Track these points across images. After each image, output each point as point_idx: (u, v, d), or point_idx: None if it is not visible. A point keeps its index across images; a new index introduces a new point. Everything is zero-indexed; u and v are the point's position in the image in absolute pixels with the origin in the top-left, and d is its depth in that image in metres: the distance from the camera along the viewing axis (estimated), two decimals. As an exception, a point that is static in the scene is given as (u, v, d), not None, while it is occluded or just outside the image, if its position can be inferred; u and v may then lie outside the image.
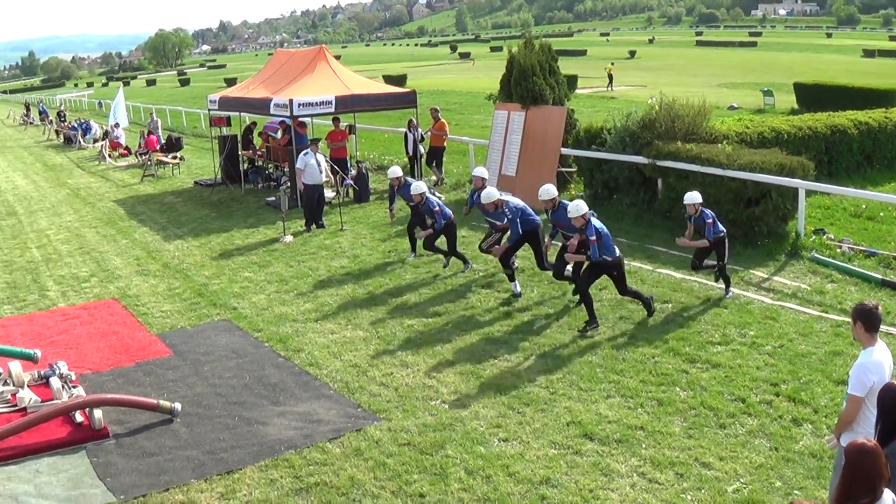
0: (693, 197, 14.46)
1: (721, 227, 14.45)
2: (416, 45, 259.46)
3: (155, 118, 43.26)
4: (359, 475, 9.36)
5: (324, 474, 9.43)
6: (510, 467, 9.34)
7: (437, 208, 16.57)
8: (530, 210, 15.44)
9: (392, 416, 10.84)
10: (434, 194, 18.11)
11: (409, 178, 18.21)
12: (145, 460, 9.99)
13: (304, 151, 21.84)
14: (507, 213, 15.02)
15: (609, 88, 65.16)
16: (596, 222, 13.27)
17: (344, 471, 9.47)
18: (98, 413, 10.70)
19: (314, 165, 21.42)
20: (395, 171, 17.99)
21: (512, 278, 15.49)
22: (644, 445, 9.72)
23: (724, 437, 9.86)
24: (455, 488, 8.98)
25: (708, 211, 14.40)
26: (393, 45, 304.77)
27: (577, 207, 13.25)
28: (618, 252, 13.57)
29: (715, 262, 14.69)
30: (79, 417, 10.91)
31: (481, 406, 10.98)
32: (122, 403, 11.21)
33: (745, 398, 10.82)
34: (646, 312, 13.90)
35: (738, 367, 11.84)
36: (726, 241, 14.53)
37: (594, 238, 13.14)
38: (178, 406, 11.22)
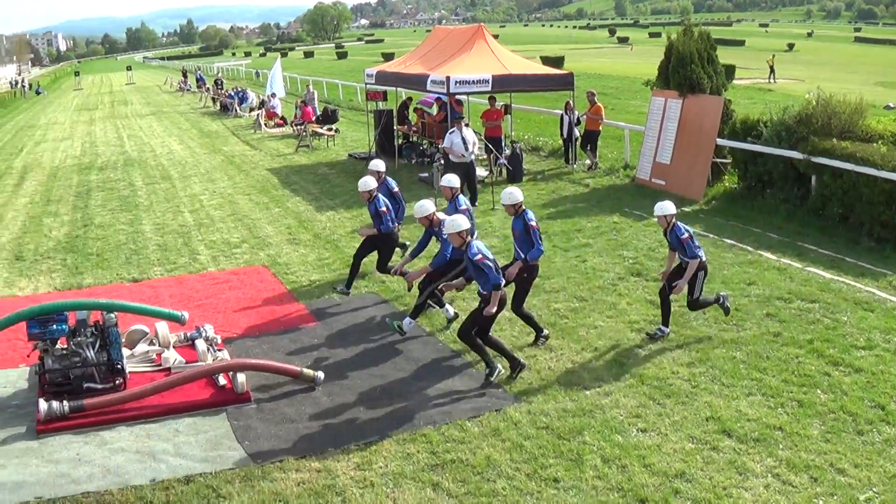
0: (664, 207, 13.68)
1: (699, 248, 13.58)
2: (574, 27, 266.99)
3: (311, 90, 45.80)
4: (495, 455, 10.41)
5: (460, 452, 10.54)
6: (646, 458, 10.15)
7: (384, 209, 16.05)
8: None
9: (533, 398, 11.90)
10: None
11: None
12: (284, 426, 11.49)
13: (451, 130, 23.30)
14: (443, 233, 13.93)
15: (770, 80, 66.45)
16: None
17: (481, 450, 10.56)
18: (241, 377, 12.36)
19: (459, 143, 22.78)
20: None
21: (440, 304, 15.07)
22: (781, 446, 10.34)
23: (861, 443, 10.35)
24: (590, 475, 9.86)
25: (682, 225, 13.59)
26: (551, 26, 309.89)
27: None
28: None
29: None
30: (222, 380, 12.68)
31: (622, 395, 11.88)
32: (265, 369, 12.82)
33: (884, 406, 11.25)
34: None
35: (880, 373, 12.26)
36: (704, 270, 13.73)
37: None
38: (320, 375, 12.72)
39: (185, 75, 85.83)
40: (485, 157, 27.56)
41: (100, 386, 12.55)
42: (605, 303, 15.55)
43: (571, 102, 27.70)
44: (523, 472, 9.98)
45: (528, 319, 13.92)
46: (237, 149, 37.83)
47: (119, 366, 12.66)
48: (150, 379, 12.94)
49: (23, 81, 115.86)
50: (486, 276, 12.34)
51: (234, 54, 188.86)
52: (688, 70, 24.17)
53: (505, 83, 26.14)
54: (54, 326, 12.90)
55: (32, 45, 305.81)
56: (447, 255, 14.11)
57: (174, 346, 14.06)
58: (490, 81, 25.45)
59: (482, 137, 26.84)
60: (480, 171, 24.98)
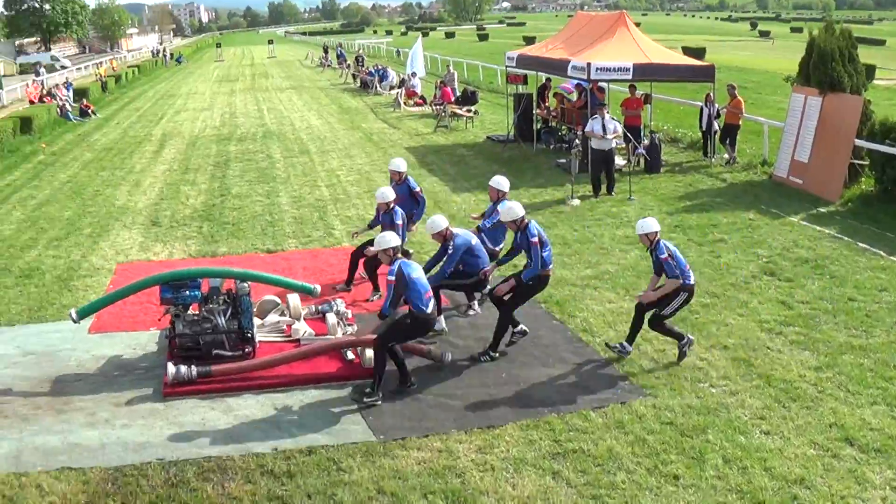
0: (646, 224, 13.14)
1: (686, 270, 13.09)
2: (715, 18, 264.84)
3: (452, 70, 46.57)
4: (617, 447, 10.63)
5: (583, 442, 10.78)
6: (767, 461, 10.23)
7: (399, 222, 15.71)
8: (480, 250, 14.59)
9: (659, 392, 12.07)
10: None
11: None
12: (409, 404, 11.94)
13: (593, 116, 23.59)
14: (450, 249, 14.18)
15: None
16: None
17: (603, 441, 10.78)
18: (370, 353, 12.79)
19: (599, 130, 23.04)
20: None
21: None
22: (902, 458, 10.33)
23: None
24: (710, 475, 10.00)
25: (665, 244, 13.05)
26: (693, 16, 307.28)
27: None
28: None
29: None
30: (350, 355, 13.22)
31: (748, 395, 11.94)
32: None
33: None
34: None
35: None
36: (687, 293, 13.10)
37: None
38: (448, 355, 13.13)
39: (326, 51, 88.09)
40: (623, 146, 27.65)
41: (229, 353, 13.22)
42: (736, 300, 15.56)
43: (712, 95, 27.56)
44: (644, 467, 10.17)
45: (502, 329, 13.60)
46: (376, 126, 38.73)
47: (249, 334, 13.29)
48: (279, 349, 13.56)
49: (164, 51, 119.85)
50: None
51: (375, 32, 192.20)
52: (828, 68, 23.84)
53: (646, 72, 26.32)
54: (187, 292, 13.60)
55: (174, 16, 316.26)
56: (447, 271, 14.15)
57: (304, 319, 14.64)
58: (631, 70, 25.65)
59: (623, 124, 26.97)
60: (618, 160, 25.11)
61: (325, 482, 10.05)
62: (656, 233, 13.00)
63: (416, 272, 12.27)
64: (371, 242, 15.56)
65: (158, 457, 10.79)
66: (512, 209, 13.56)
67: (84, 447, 11.14)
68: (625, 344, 13.30)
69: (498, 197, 15.44)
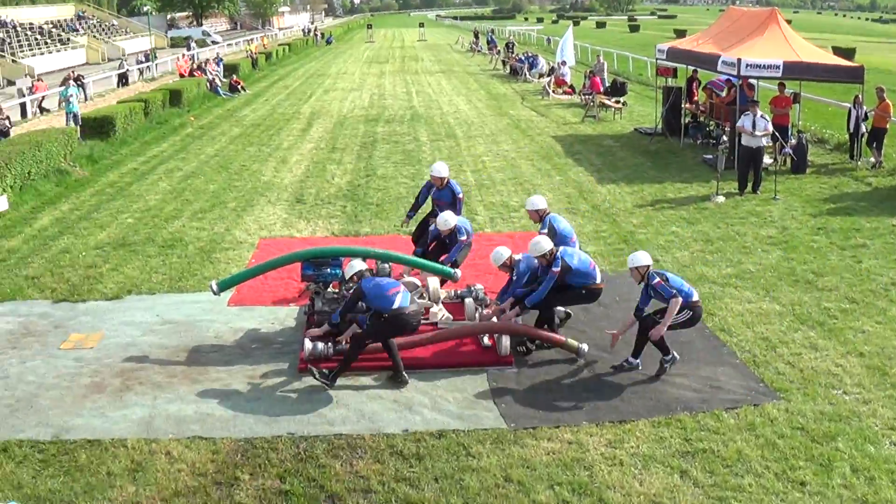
0: (636, 259, 12.72)
1: (681, 286, 12.53)
2: (866, 18, 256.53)
3: (601, 60, 46.27)
4: (747, 450, 10.45)
5: (713, 442, 10.63)
6: (895, 473, 9.98)
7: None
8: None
9: (792, 397, 11.78)
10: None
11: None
12: (542, 394, 11.93)
13: (745, 112, 23.16)
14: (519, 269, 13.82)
15: None
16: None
17: (733, 443, 10.62)
18: (506, 340, 12.86)
19: (750, 127, 22.59)
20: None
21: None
22: None
23: None
24: (836, 483, 9.76)
25: (654, 272, 12.53)
26: (844, 16, 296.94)
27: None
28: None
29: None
30: (486, 341, 13.24)
31: (881, 404, 11.56)
32: (530, 335, 13.24)
33: None
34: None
35: None
36: (690, 311, 12.51)
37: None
38: (584, 347, 12.97)
39: (476, 36, 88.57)
40: (770, 145, 27.01)
41: (366, 332, 13.29)
42: (875, 307, 15.04)
43: (860, 97, 26.71)
44: (772, 471, 9.99)
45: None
46: (523, 113, 38.70)
47: (387, 315, 13.34)
48: (417, 331, 13.59)
49: (315, 30, 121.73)
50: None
51: (526, 19, 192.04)
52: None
53: (795, 70, 25.72)
54: (328, 270, 13.80)
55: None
56: (518, 292, 13.63)
57: (443, 302, 14.68)
58: (781, 67, 25.11)
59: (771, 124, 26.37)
60: (765, 159, 24.59)
61: (454, 467, 10.11)
62: (647, 266, 12.57)
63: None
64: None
65: (289, 431, 11.00)
66: (539, 243, 13.28)
67: (216, 417, 11.42)
68: (631, 359, 12.76)
69: (540, 217, 15.02)
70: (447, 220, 15.07)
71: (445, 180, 16.40)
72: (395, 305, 12.14)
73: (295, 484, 9.81)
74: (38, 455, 10.68)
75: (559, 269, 12.95)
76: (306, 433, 10.94)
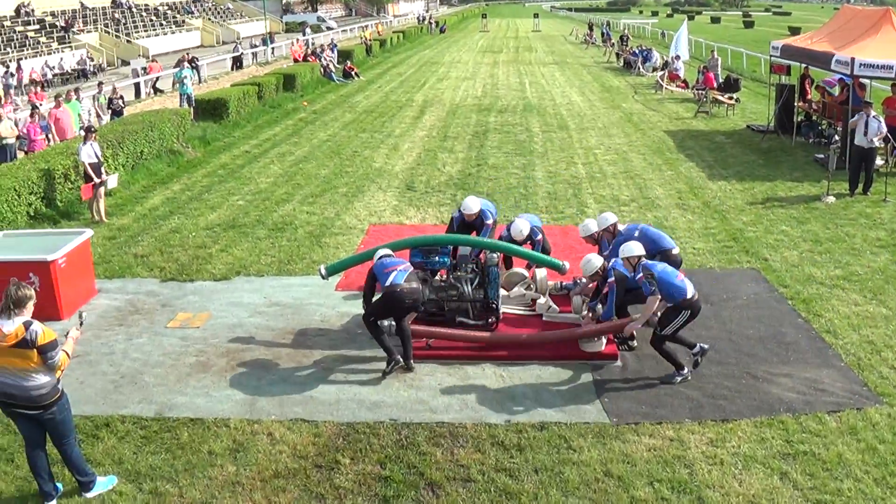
0: (628, 249, 12.63)
1: (678, 282, 12.08)
2: None
3: (716, 56, 45.64)
4: (847, 454, 10.22)
5: (814, 445, 10.42)
6: None
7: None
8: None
9: (895, 402, 11.50)
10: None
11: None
12: (645, 390, 11.82)
13: (859, 113, 22.62)
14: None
15: None
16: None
17: (834, 446, 10.39)
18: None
19: (863, 127, 22.06)
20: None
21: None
22: None
23: None
24: None
25: (647, 262, 12.28)
26: None
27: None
28: None
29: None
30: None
31: None
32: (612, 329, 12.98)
33: None
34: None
35: None
36: (689, 310, 12.05)
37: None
38: (703, 346, 12.70)
39: (591, 28, 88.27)
40: (882, 146, 26.24)
41: (472, 322, 13.34)
42: None
43: None
44: (871, 477, 9.78)
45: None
46: (636, 107, 38.38)
47: (494, 305, 13.34)
48: (522, 322, 13.66)
49: (430, 18, 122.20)
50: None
51: (640, 12, 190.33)
52: None
53: (910, 71, 24.96)
54: (437, 258, 13.84)
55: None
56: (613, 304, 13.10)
57: (550, 294, 14.60)
58: (895, 68, 24.38)
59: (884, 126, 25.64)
60: (877, 160, 23.95)
61: (554, 459, 10.08)
62: (639, 258, 12.44)
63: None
64: None
65: (392, 417, 11.06)
66: (591, 262, 13.29)
67: (319, 400, 11.52)
68: (678, 372, 12.15)
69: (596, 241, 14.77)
70: (470, 205, 14.96)
71: (475, 215, 15.33)
72: (388, 282, 12.21)
73: (395, 470, 9.85)
74: (141, 431, 10.90)
75: (613, 279, 12.68)
76: (408, 420, 10.98)
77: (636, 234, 13.76)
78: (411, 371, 12.33)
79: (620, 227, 14.38)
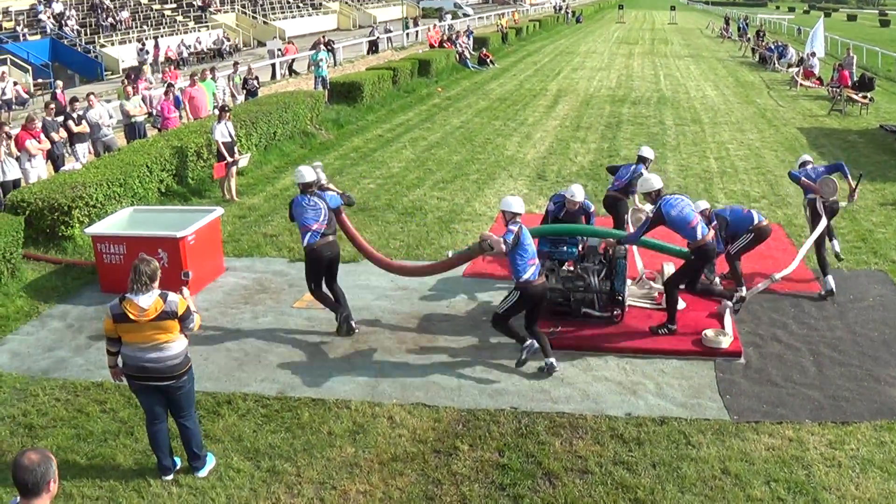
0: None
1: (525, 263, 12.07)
2: None
3: (851, 54, 44.50)
4: None
5: None
6: None
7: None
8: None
9: None
10: None
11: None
12: (768, 388, 11.58)
13: None
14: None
15: None
16: None
17: None
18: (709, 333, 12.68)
19: None
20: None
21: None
22: None
23: None
24: None
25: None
26: None
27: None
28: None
29: None
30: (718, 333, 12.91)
31: None
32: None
33: None
34: None
35: None
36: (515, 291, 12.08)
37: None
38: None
39: (727, 22, 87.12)
40: None
41: (597, 313, 13.27)
42: None
43: None
44: None
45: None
46: (770, 103, 37.60)
47: (619, 297, 13.23)
48: (647, 316, 13.57)
49: (566, 8, 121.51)
50: None
51: (777, 7, 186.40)
52: None
53: None
54: (564, 248, 13.76)
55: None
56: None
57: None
58: None
59: None
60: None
61: (673, 454, 9.98)
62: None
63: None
64: None
65: (512, 405, 11.06)
66: (648, 180, 13.64)
67: (441, 386, 11.58)
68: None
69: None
70: (575, 192, 14.44)
71: (578, 204, 14.75)
72: (305, 242, 12.97)
73: (513, 458, 9.85)
74: (262, 410, 11.11)
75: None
76: (529, 409, 10.97)
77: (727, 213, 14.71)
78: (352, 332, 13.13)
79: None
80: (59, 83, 31.09)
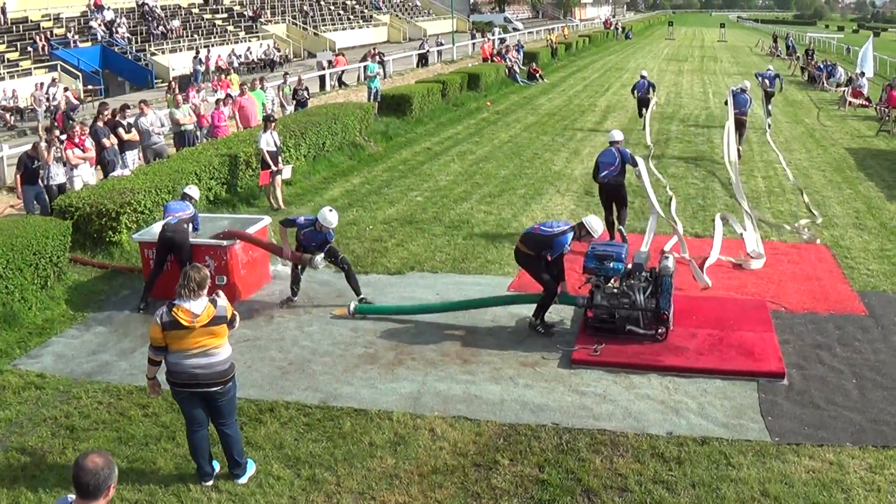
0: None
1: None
2: None
3: (901, 77, 44.25)
4: None
5: None
6: None
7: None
8: None
9: None
10: None
11: None
12: (810, 410, 11.45)
13: None
14: None
15: None
16: None
17: None
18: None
19: None
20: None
21: None
22: None
23: None
24: None
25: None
26: None
27: None
28: None
29: None
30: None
31: None
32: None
33: None
34: None
35: None
36: None
37: None
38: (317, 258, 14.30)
39: (775, 40, 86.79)
40: None
41: (642, 331, 13.22)
42: None
43: None
44: None
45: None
46: (818, 122, 37.29)
47: (665, 316, 13.15)
48: (691, 335, 13.45)
49: (616, 24, 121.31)
50: None
51: (826, 26, 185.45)
52: None
53: None
54: (611, 264, 13.66)
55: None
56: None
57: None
58: None
59: None
60: None
61: (713, 475, 9.90)
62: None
63: None
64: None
65: (554, 421, 11.02)
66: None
67: (483, 400, 11.56)
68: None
69: None
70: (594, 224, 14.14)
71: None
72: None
73: (553, 474, 9.82)
74: (304, 418, 11.17)
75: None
76: (570, 425, 10.92)
77: None
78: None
79: None
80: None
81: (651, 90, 35.21)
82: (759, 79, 34.93)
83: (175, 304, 9.05)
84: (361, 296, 14.90)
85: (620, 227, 18.12)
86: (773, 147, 29.44)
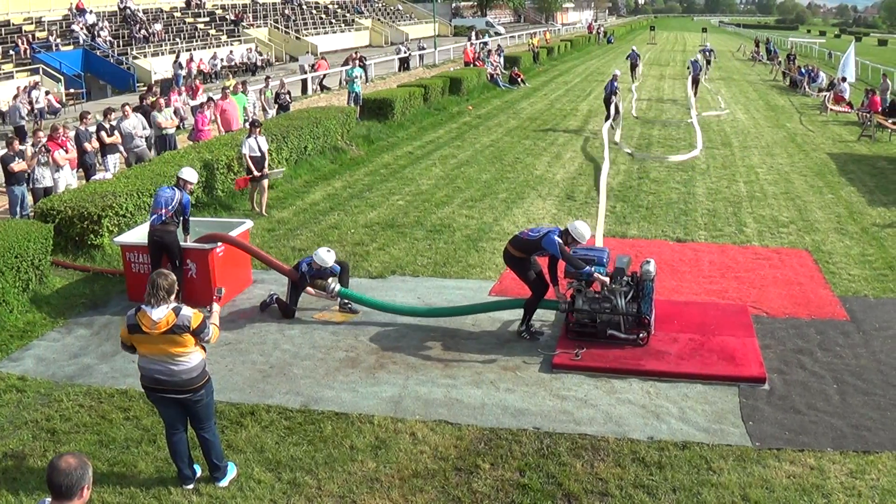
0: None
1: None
2: None
3: (887, 81, 44.33)
4: None
5: None
6: None
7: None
8: None
9: None
10: None
11: None
12: (791, 415, 11.50)
13: None
14: None
15: None
16: None
17: None
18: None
19: None
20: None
21: None
22: None
23: None
24: None
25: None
26: None
27: None
28: None
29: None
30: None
31: None
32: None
33: None
34: None
35: None
36: None
37: None
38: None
39: (757, 45, 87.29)
40: None
41: (623, 335, 13.23)
42: None
43: None
44: None
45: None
46: (800, 127, 37.51)
47: (646, 320, 13.20)
48: (673, 339, 13.47)
49: (598, 28, 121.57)
50: None
51: (808, 31, 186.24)
52: None
53: None
54: (592, 269, 13.69)
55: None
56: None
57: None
58: None
59: None
60: None
61: (694, 480, 9.93)
62: None
63: None
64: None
65: (535, 425, 11.04)
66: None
67: (464, 404, 11.58)
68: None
69: None
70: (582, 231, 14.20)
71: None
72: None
73: (534, 478, 9.84)
74: (285, 422, 11.17)
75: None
76: (551, 429, 10.94)
77: None
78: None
79: None
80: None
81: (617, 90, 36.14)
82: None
83: (141, 308, 9.05)
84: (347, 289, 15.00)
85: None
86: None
